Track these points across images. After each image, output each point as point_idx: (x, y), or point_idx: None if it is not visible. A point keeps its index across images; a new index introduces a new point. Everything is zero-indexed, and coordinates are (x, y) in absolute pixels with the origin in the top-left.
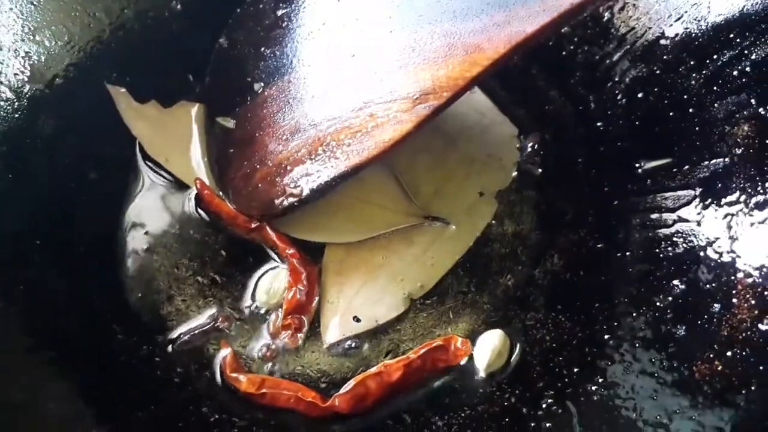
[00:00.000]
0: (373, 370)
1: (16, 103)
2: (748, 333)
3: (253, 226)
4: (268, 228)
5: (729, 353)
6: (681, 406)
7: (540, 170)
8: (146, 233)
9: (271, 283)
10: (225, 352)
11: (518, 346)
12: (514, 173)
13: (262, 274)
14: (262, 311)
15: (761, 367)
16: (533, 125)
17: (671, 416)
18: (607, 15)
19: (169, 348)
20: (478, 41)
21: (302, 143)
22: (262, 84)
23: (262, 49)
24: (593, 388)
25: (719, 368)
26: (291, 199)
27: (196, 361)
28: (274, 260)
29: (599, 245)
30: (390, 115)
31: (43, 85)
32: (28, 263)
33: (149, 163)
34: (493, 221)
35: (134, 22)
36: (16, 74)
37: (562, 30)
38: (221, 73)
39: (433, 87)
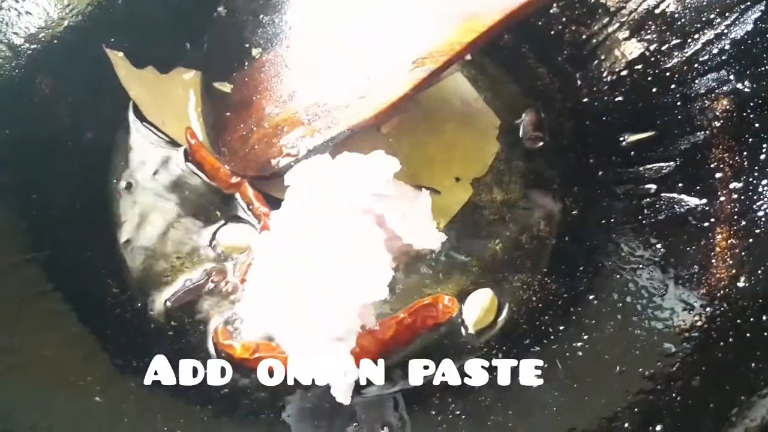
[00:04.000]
0: (368, 329)
1: (15, 62)
2: (726, 291)
3: (233, 180)
4: (247, 184)
5: (708, 309)
6: (662, 358)
7: (540, 144)
8: (142, 193)
9: (234, 234)
10: (215, 323)
11: (506, 306)
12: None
13: (225, 223)
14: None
15: (738, 321)
16: (523, 100)
17: (653, 368)
18: None
19: (164, 303)
20: (475, 8)
21: (300, 106)
22: (260, 49)
23: (261, 16)
24: (578, 344)
25: (699, 324)
26: (287, 159)
27: (190, 315)
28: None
29: (584, 213)
30: (387, 78)
31: (41, 45)
32: (28, 218)
33: (146, 125)
34: (483, 189)
35: None
36: (16, 33)
37: (551, 9)
38: (219, 39)
39: (430, 51)
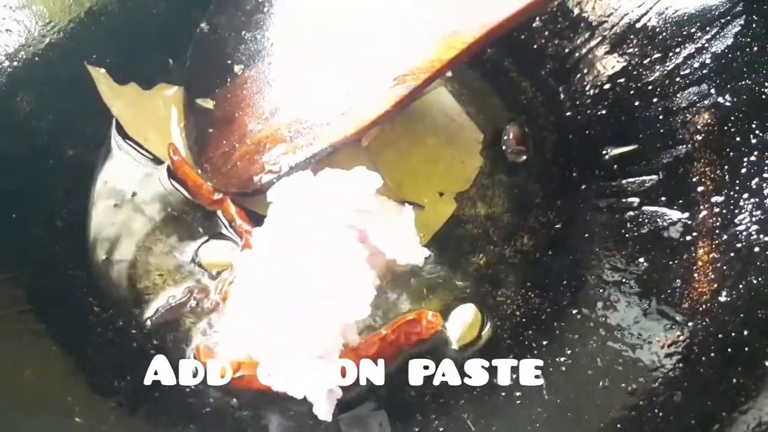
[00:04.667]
0: (351, 346)
1: None
2: (708, 305)
3: (215, 197)
4: (229, 201)
5: (690, 323)
6: (645, 373)
7: (524, 158)
8: (124, 210)
9: (216, 251)
10: (197, 341)
11: (489, 320)
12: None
13: (207, 240)
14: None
15: (720, 335)
16: (506, 114)
17: (635, 383)
18: (576, 10)
19: (146, 321)
20: (455, 26)
21: (282, 122)
22: (243, 66)
23: (243, 32)
24: (561, 359)
25: (680, 338)
26: (270, 176)
27: (173, 332)
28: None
29: (567, 227)
30: (369, 95)
31: (23, 62)
32: (8, 236)
33: (129, 142)
34: (467, 203)
35: (115, 5)
36: None
37: (534, 24)
38: (202, 56)
39: (411, 68)
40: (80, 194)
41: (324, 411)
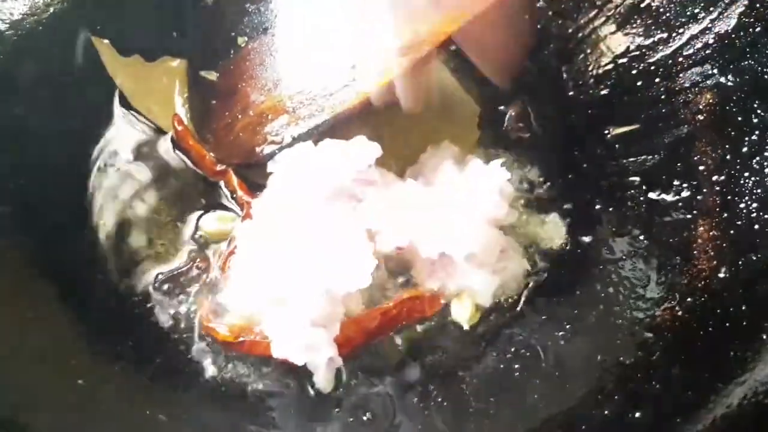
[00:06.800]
0: (353, 317)
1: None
2: (707, 281)
3: (218, 168)
4: (231, 173)
5: (689, 299)
6: (643, 347)
7: (527, 135)
8: (127, 179)
9: (217, 221)
10: (199, 308)
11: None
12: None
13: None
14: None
15: (718, 311)
16: (509, 94)
17: (634, 357)
18: None
19: (149, 288)
20: None
21: (284, 94)
22: (246, 38)
23: (247, 4)
24: (560, 333)
25: (680, 314)
26: (272, 147)
27: (175, 299)
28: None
29: (568, 206)
30: (371, 67)
31: (26, 32)
32: (14, 206)
33: (132, 112)
34: None
35: None
36: (0, 19)
37: (538, 3)
38: (205, 28)
39: (414, 41)
40: (84, 164)
41: (323, 380)
